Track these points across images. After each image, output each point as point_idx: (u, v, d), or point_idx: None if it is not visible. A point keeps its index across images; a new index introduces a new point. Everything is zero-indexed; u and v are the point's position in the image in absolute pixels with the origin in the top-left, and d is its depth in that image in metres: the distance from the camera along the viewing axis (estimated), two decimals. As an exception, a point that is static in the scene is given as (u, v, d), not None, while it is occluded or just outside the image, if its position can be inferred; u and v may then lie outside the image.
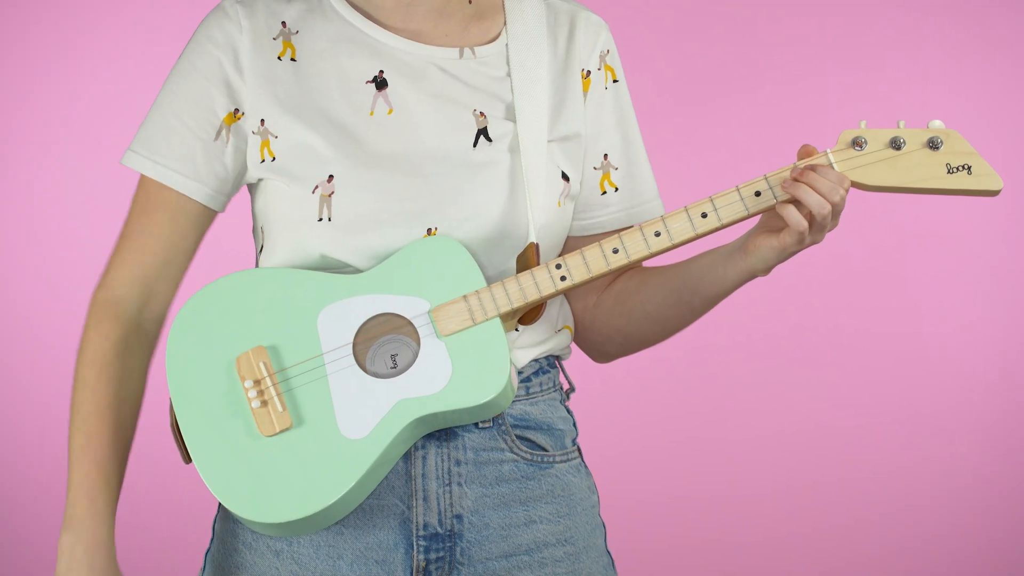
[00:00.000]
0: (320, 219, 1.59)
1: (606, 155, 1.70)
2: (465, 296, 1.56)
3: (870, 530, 3.25)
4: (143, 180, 1.64)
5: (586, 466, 1.71)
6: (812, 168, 1.54)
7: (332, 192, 1.59)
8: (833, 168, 1.55)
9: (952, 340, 3.25)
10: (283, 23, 1.64)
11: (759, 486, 3.26)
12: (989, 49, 3.20)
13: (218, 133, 1.62)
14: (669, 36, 3.24)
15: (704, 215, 1.56)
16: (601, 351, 1.75)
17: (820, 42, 3.22)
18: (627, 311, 1.68)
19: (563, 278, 1.57)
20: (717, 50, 3.24)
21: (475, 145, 1.61)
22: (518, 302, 1.56)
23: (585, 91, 1.69)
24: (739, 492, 3.27)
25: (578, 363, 1.78)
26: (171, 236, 1.63)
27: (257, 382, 1.55)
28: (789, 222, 1.53)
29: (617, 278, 1.71)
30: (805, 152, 1.56)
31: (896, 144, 1.56)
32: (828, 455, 3.26)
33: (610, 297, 1.70)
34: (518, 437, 1.64)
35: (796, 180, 1.54)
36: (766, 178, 1.56)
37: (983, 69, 3.20)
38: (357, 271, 1.59)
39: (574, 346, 1.75)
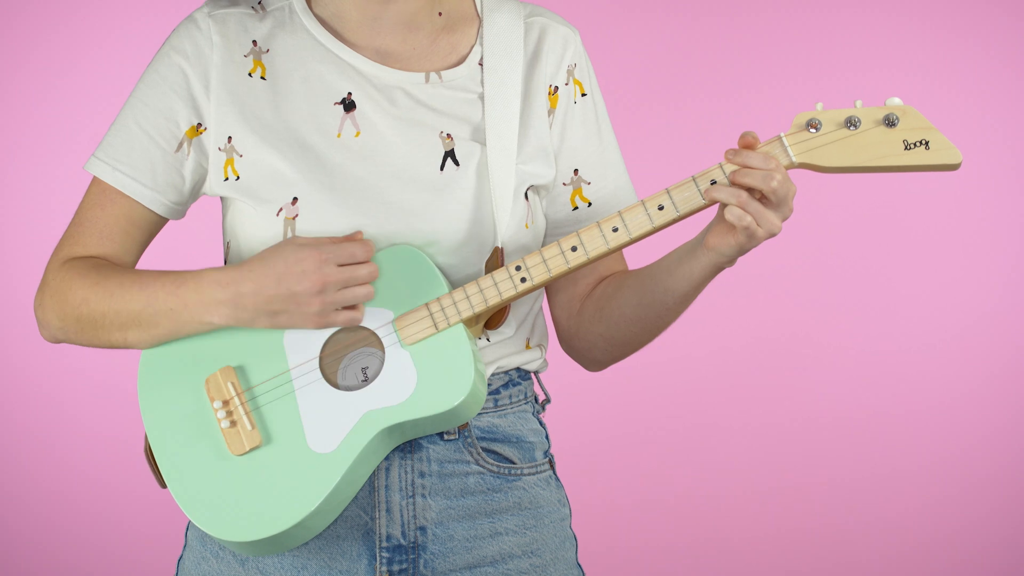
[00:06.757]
0: None
1: (576, 171, 1.68)
2: (427, 304, 1.56)
3: (863, 533, 3.22)
4: (99, 181, 1.63)
5: (558, 479, 1.70)
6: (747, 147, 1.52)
7: (296, 215, 1.58)
8: (787, 151, 1.53)
9: (949, 340, 3.20)
10: (254, 41, 1.64)
11: (754, 487, 3.23)
12: (987, 48, 3.16)
13: (179, 145, 1.62)
14: (652, 32, 3.22)
15: (661, 207, 1.55)
16: (590, 358, 1.73)
17: (809, 39, 3.19)
18: (606, 315, 1.66)
19: (523, 279, 1.56)
20: (702, 47, 3.21)
21: (442, 168, 1.61)
22: (479, 307, 1.56)
23: (553, 108, 1.67)
24: (735, 494, 3.24)
25: (569, 371, 1.76)
26: (124, 236, 1.63)
27: (226, 402, 1.56)
28: (730, 219, 1.51)
29: (597, 285, 1.70)
30: (746, 141, 1.53)
31: (851, 123, 1.53)
32: (819, 457, 3.22)
33: (591, 303, 1.68)
34: (484, 450, 1.63)
35: (729, 161, 1.52)
36: (721, 166, 1.55)
37: (981, 67, 3.16)
38: None
39: (563, 357, 1.74)
